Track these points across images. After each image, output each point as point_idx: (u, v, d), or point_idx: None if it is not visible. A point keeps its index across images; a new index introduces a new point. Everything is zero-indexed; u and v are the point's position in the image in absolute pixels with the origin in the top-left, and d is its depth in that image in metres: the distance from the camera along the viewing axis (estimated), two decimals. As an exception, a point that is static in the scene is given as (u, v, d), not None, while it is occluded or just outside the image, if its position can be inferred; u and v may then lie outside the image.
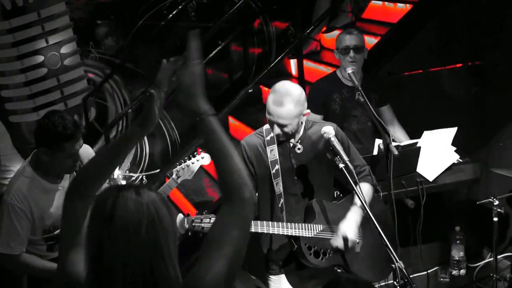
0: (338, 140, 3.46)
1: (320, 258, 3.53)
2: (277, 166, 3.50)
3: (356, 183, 3.40)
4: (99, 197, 1.82)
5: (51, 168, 3.41)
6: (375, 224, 3.32)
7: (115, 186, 1.85)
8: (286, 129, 3.42)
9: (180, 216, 3.14)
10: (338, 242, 3.50)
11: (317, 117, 4.61)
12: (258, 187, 3.59)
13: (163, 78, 2.03)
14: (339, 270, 3.61)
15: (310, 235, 3.51)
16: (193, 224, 3.09)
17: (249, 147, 3.58)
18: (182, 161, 3.73)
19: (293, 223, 3.48)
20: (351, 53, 4.43)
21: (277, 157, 3.51)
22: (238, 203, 1.84)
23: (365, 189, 3.56)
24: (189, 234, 3.15)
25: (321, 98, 4.61)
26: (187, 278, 1.79)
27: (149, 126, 2.06)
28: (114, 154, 2.10)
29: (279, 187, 3.52)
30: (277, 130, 3.43)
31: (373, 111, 3.96)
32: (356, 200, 3.53)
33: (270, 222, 3.44)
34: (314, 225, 3.53)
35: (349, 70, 4.30)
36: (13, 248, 3.38)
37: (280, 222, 3.47)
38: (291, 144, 3.57)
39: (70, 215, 2.00)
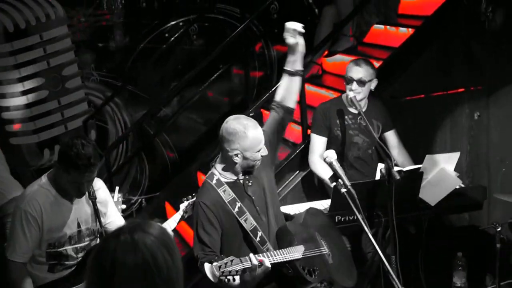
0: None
1: (313, 276, 3.50)
2: (238, 204, 3.46)
3: (359, 210, 3.37)
4: (97, 252, 1.79)
5: (62, 184, 3.45)
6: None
7: (112, 235, 1.80)
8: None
9: (207, 265, 3.10)
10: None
11: (322, 140, 4.59)
12: (227, 237, 3.50)
13: None
14: (323, 285, 3.60)
15: (300, 257, 3.48)
16: (222, 270, 3.05)
17: (213, 206, 3.44)
18: (190, 196, 3.73)
19: (280, 250, 3.43)
20: (354, 85, 4.44)
21: (234, 195, 3.48)
22: None
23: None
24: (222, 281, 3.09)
25: (325, 121, 4.59)
26: None
27: None
28: None
29: (250, 222, 3.47)
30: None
31: (376, 136, 3.95)
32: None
33: (265, 253, 3.34)
34: (297, 246, 3.51)
35: (351, 95, 4.31)
36: (18, 254, 3.42)
37: (271, 252, 3.38)
38: (241, 180, 3.54)
39: None
